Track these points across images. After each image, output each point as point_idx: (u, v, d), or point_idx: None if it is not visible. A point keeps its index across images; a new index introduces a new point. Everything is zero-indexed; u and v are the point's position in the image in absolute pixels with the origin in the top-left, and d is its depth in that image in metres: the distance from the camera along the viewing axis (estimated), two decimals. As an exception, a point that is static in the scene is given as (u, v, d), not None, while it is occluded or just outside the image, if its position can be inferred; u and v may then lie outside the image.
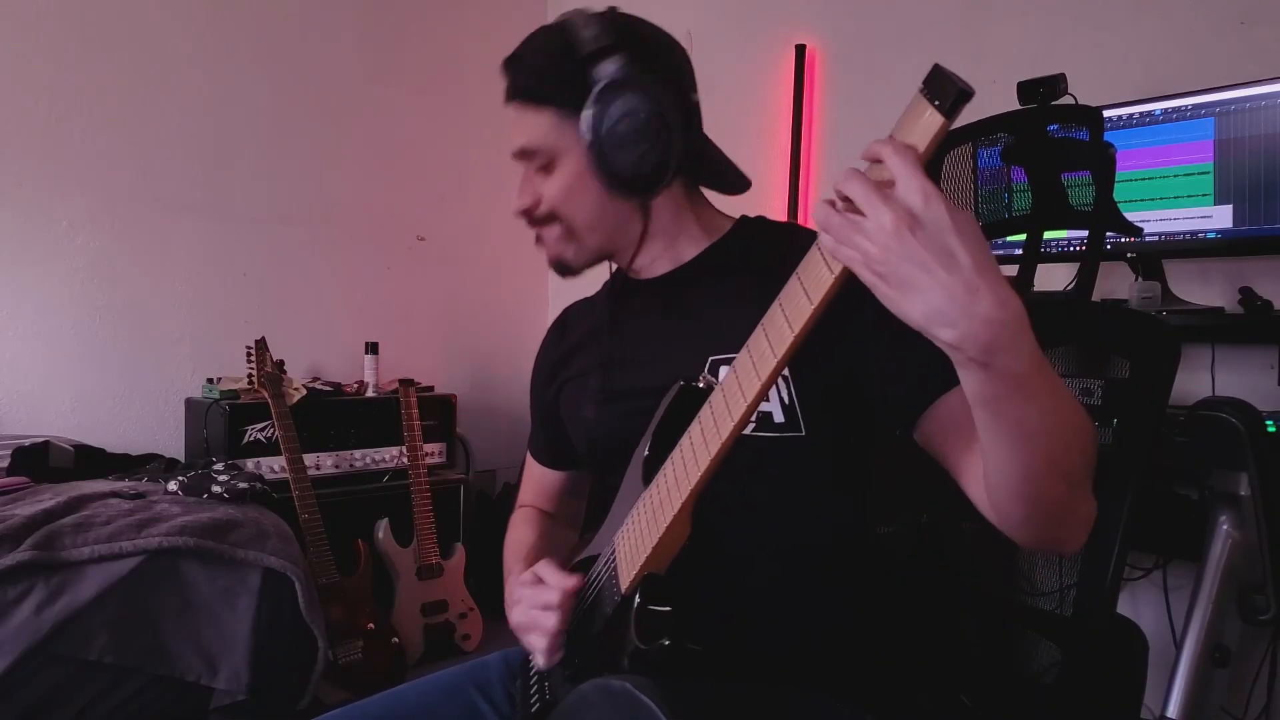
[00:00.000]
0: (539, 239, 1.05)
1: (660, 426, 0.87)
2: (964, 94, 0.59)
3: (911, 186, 0.60)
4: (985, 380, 0.63)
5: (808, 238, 0.70)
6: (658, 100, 0.93)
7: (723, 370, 0.78)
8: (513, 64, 0.99)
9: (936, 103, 0.60)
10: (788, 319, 0.69)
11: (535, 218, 1.03)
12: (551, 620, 0.90)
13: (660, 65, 0.97)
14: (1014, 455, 0.68)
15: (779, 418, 0.92)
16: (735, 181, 1.06)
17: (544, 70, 0.97)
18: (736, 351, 0.75)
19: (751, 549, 0.94)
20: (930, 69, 0.61)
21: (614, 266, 1.11)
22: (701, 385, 0.86)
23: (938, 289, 0.60)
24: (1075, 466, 0.71)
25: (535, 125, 0.97)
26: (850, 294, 0.66)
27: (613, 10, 1.00)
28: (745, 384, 0.73)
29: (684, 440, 0.81)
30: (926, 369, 0.80)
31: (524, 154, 1.00)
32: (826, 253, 0.66)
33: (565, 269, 1.06)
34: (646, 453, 0.88)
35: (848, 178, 0.63)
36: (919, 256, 0.59)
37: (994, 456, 0.70)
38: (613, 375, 1.04)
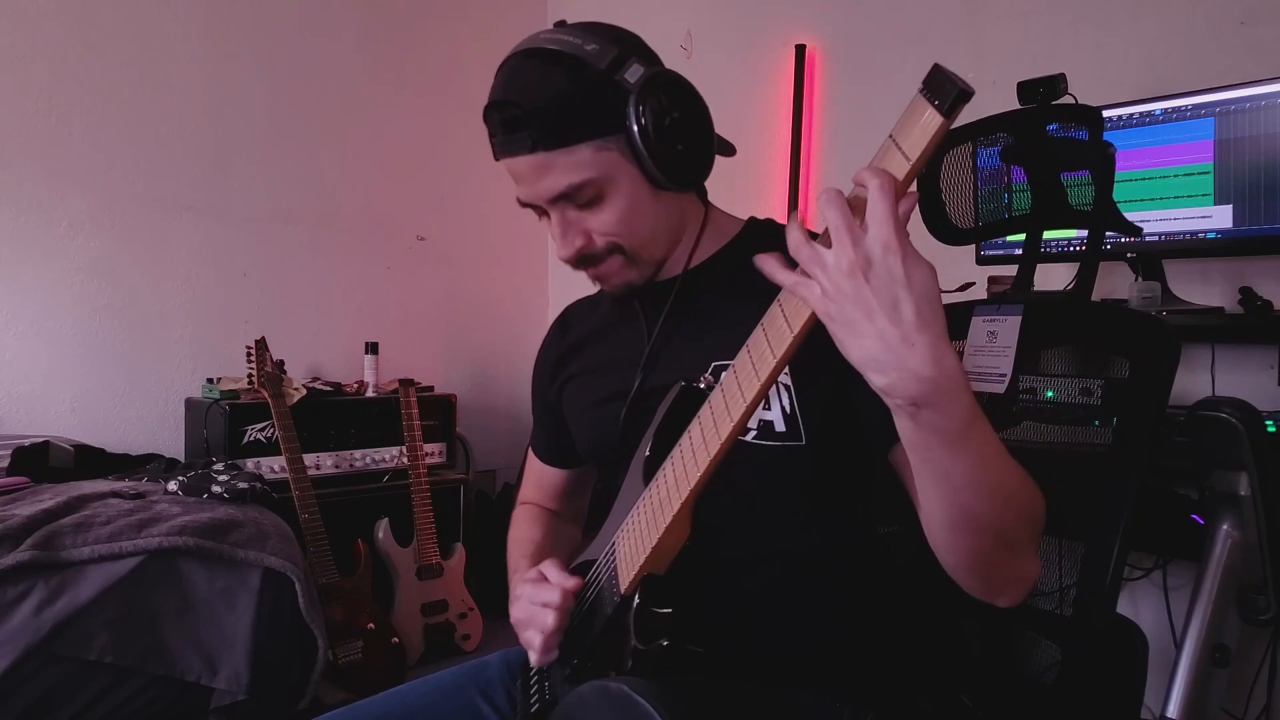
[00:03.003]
0: (597, 276, 0.99)
1: (661, 427, 0.87)
2: (964, 94, 0.59)
3: (878, 234, 0.62)
4: (913, 428, 0.66)
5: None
6: (688, 84, 0.92)
7: (724, 375, 0.78)
8: (520, 117, 0.89)
9: (936, 103, 0.60)
10: (786, 318, 0.69)
11: (593, 255, 0.96)
12: (549, 619, 0.91)
13: (652, 55, 0.96)
14: (940, 502, 0.71)
15: (780, 427, 0.92)
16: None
17: (566, 106, 0.88)
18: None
19: (752, 553, 0.94)
20: (930, 69, 0.61)
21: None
22: (702, 386, 0.86)
23: (876, 336, 0.62)
24: (1006, 528, 0.72)
25: (572, 164, 0.90)
26: None
27: (580, 24, 0.95)
28: (745, 384, 0.73)
29: (684, 440, 0.81)
30: None
31: (568, 195, 0.91)
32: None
33: (632, 291, 1.01)
34: (647, 453, 0.88)
35: (830, 201, 0.64)
36: (865, 302, 0.62)
37: (924, 499, 0.73)
38: (616, 376, 1.04)
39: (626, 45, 0.92)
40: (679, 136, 0.90)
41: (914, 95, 0.62)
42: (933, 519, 0.74)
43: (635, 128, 0.88)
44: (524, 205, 0.97)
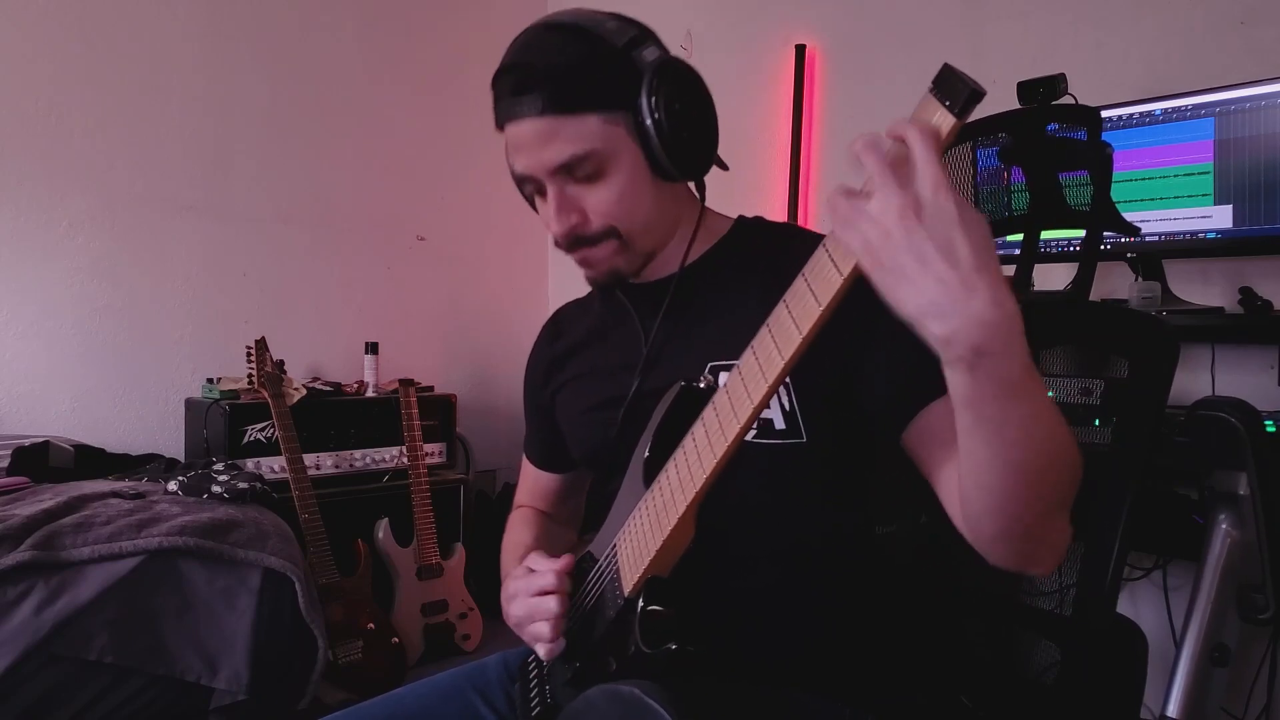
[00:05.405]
0: (585, 260, 0.96)
1: (661, 428, 0.87)
2: (975, 94, 0.58)
3: (925, 174, 0.59)
4: (971, 381, 0.62)
5: (809, 238, 0.69)
6: (700, 79, 0.92)
7: (723, 375, 0.77)
8: (533, 76, 0.88)
9: (948, 103, 0.59)
10: (795, 320, 0.68)
11: (588, 236, 0.93)
12: (551, 604, 0.89)
13: (666, 49, 0.96)
14: (992, 463, 0.66)
15: (780, 425, 0.91)
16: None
17: (580, 73, 0.88)
18: (736, 358, 0.75)
19: (753, 553, 0.94)
20: (940, 69, 0.60)
21: None
22: (703, 386, 0.85)
23: (933, 282, 0.58)
24: (1052, 487, 0.69)
25: (577, 133, 0.88)
26: (850, 301, 0.66)
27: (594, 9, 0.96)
28: (751, 386, 0.73)
29: (687, 442, 0.81)
30: (916, 376, 0.79)
31: (569, 166, 0.90)
32: (831, 243, 0.65)
33: (618, 280, 0.99)
34: (647, 454, 0.87)
35: (867, 145, 0.61)
36: (919, 247, 0.58)
37: (971, 463, 0.68)
38: (612, 381, 1.03)
39: (645, 30, 0.93)
40: (686, 124, 0.90)
41: (924, 95, 0.60)
42: (980, 485, 0.69)
43: (646, 105, 0.88)
44: (519, 181, 0.95)
